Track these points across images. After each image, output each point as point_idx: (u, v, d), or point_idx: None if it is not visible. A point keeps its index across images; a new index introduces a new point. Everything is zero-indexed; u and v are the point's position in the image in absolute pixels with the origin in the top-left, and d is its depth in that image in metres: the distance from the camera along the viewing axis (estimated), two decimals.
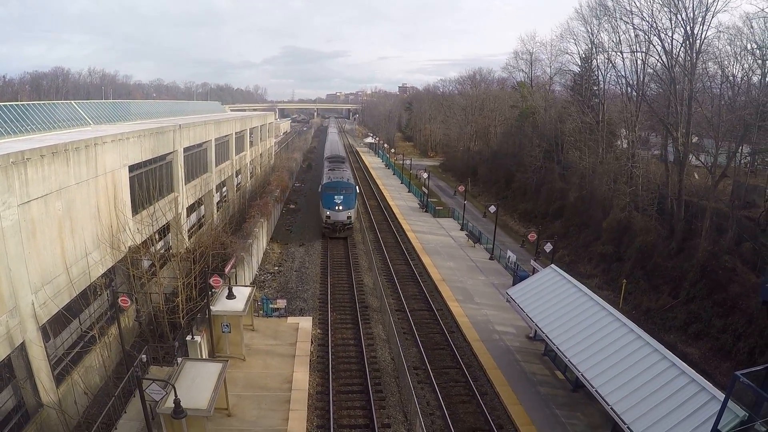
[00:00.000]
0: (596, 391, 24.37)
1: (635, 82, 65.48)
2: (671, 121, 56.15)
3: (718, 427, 17.46)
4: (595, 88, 78.64)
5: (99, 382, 30.05)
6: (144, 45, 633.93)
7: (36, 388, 24.29)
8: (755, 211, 48.34)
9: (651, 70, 62.83)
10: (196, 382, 23.61)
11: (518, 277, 44.44)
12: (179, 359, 26.62)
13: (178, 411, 19.69)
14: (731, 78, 53.84)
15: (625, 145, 69.76)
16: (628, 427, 21.51)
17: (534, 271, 41.17)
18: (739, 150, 52.00)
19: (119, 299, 28.36)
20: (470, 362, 35.55)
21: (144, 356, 28.48)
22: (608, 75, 74.72)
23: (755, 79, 54.41)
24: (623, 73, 68.22)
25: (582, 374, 25.82)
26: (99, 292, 30.82)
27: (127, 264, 33.78)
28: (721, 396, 19.44)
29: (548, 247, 45.68)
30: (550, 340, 29.41)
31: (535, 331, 34.11)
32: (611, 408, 22.95)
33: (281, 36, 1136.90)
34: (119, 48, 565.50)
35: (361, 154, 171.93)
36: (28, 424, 23.59)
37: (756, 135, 49.43)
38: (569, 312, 30.59)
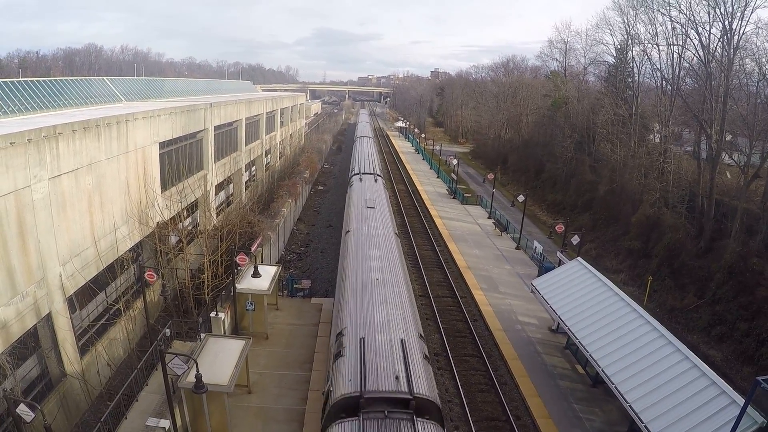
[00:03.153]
0: (616, 387, 24.17)
1: (670, 76, 64.16)
2: (705, 118, 54.88)
3: None
4: (630, 80, 77.12)
5: (122, 355, 30.62)
6: (176, 23, 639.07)
7: (60, 358, 24.85)
8: None
9: (687, 65, 61.58)
10: (219, 358, 23.93)
11: (544, 269, 44.19)
12: (202, 335, 27.00)
13: (199, 386, 19.95)
14: None
15: (657, 140, 68.48)
16: (645, 426, 21.31)
17: (560, 263, 40.85)
18: None
19: (145, 274, 28.78)
20: (491, 352, 35.46)
21: (168, 331, 28.90)
22: (643, 67, 73.15)
23: None
24: (658, 66, 66.82)
25: (602, 370, 25.62)
26: (126, 266, 31.35)
27: (155, 239, 34.25)
28: (741, 401, 19.22)
29: (575, 240, 45.15)
30: (573, 334, 29.21)
31: (558, 323, 33.88)
32: (630, 406, 22.76)
33: (313, 16, 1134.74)
34: (151, 25, 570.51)
35: (391, 137, 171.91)
36: (51, 392, 24.17)
37: None
38: (593, 306, 30.31)
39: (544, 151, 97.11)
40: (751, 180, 50.10)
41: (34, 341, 23.92)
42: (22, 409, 16.87)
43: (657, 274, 50.73)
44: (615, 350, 26.29)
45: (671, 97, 63.20)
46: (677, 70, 62.63)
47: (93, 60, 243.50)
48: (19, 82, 32.19)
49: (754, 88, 53.72)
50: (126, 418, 22.60)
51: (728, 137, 57.74)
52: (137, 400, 23.99)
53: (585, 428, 27.28)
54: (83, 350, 27.06)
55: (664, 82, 66.13)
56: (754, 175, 50.19)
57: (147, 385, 25.26)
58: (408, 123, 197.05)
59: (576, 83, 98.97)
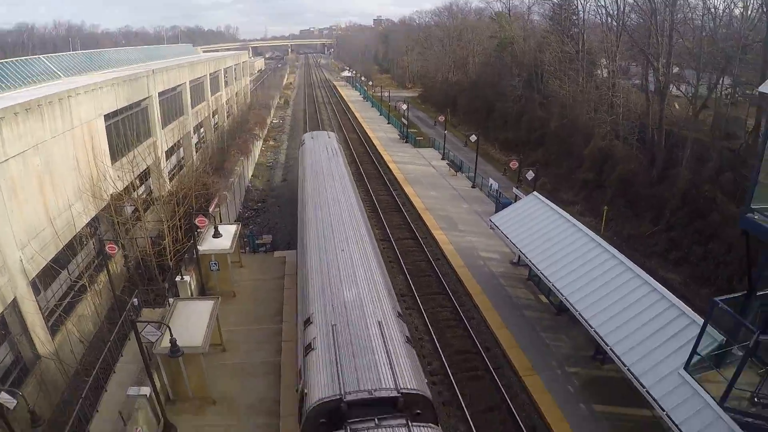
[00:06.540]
0: (579, 314, 24.99)
1: (615, 12, 64.46)
2: (652, 52, 55.49)
3: (698, 350, 17.98)
4: (575, 17, 77.36)
5: (93, 329, 30.39)
6: None
7: (32, 341, 24.62)
8: (735, 143, 48.03)
9: (631, 0, 61.80)
10: (190, 321, 24.19)
11: (501, 205, 45.00)
12: (171, 300, 27.13)
13: (175, 350, 20.22)
14: (713, 10, 52.98)
15: (605, 75, 69.18)
16: (610, 349, 22.24)
17: (516, 198, 41.63)
18: (720, 81, 51.56)
19: (106, 246, 28.53)
20: (456, 288, 36.35)
21: (135, 300, 28.81)
22: (588, 4, 73.56)
23: (737, 12, 52.92)
24: (603, 3, 67.20)
25: (565, 298, 26.44)
26: (85, 242, 30.97)
27: (111, 211, 33.74)
28: (701, 321, 19.84)
29: (530, 175, 45.93)
30: (534, 265, 29.96)
31: (519, 256, 34.73)
32: (594, 331, 23.59)
33: None
34: None
35: (338, 87, 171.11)
36: (28, 376, 24.03)
37: (737, 67, 48.86)
38: (552, 238, 31.10)
39: (493, 91, 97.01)
40: (699, 110, 51.40)
41: (3, 328, 23.64)
42: (4, 397, 16.72)
43: (612, 204, 51.92)
44: (576, 279, 27.13)
45: (617, 33, 63.62)
46: (622, 6, 62.82)
47: (26, 39, 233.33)
48: None
49: (699, 22, 54.15)
50: (106, 390, 22.69)
51: (675, 70, 58.53)
52: (114, 372, 24.07)
53: (553, 354, 28.43)
54: (54, 330, 26.81)
55: (609, 18, 66.48)
56: (702, 105, 51.51)
57: (122, 355, 25.30)
58: (354, 72, 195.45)
59: (521, 23, 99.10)
